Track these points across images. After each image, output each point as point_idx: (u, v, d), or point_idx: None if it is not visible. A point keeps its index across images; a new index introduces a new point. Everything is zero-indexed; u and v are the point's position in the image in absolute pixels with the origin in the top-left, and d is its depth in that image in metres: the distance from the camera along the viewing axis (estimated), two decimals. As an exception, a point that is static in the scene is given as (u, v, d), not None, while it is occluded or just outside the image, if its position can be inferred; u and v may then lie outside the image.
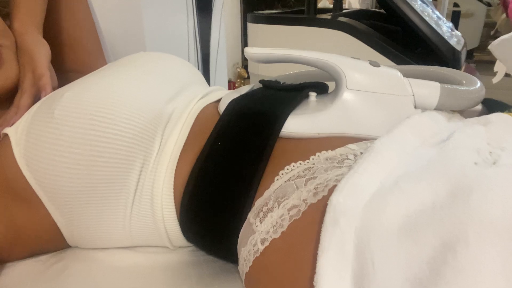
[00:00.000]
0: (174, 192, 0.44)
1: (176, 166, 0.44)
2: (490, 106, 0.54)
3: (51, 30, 0.68)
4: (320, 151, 0.40)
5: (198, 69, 1.46)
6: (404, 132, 0.40)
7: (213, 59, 1.52)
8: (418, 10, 0.91)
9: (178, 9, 1.30)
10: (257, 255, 0.35)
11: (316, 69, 0.49)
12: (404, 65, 0.67)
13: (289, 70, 0.61)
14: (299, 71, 0.61)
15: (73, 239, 0.46)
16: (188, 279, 0.45)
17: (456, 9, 3.49)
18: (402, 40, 0.98)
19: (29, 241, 0.45)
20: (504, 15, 3.12)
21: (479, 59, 3.70)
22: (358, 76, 0.45)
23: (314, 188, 0.35)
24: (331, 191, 0.34)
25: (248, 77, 2.71)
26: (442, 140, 0.41)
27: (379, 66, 0.46)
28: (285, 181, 0.38)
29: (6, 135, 0.43)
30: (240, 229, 0.39)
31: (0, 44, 0.51)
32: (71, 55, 0.73)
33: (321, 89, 0.52)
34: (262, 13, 1.09)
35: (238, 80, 2.99)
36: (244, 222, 0.39)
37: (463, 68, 1.08)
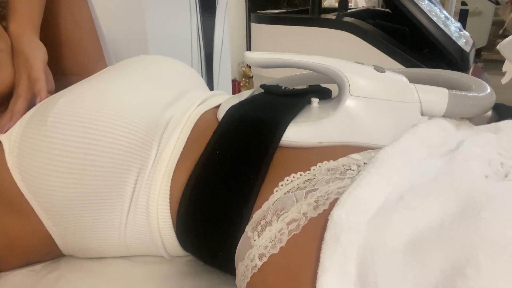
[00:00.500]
0: (170, 202, 0.42)
1: (173, 175, 0.42)
2: (500, 111, 0.52)
3: (50, 32, 0.67)
4: (321, 161, 0.38)
5: (202, 68, 1.45)
6: (410, 141, 0.38)
7: (217, 58, 1.50)
8: (425, 10, 0.89)
9: (181, 8, 1.29)
10: (255, 271, 0.34)
11: None
12: (411, 69, 0.65)
13: (292, 71, 0.59)
14: (300, 73, 0.59)
15: (67, 248, 0.45)
16: (185, 291, 0.44)
17: (464, 7, 3.45)
18: (409, 41, 0.96)
19: (22, 250, 0.44)
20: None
21: (487, 58, 3.65)
22: (362, 82, 0.43)
23: (315, 201, 0.34)
24: (332, 204, 0.33)
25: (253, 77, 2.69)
26: (450, 149, 0.39)
27: (384, 72, 0.45)
28: (285, 193, 0.36)
29: None
30: (238, 242, 0.38)
31: None
32: (70, 57, 0.72)
33: (324, 94, 0.50)
34: (265, 13, 1.07)
35: (243, 79, 2.97)
36: (242, 235, 0.37)
37: (471, 68, 1.05)
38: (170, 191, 0.42)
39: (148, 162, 0.43)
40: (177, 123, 0.46)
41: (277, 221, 0.34)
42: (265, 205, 0.36)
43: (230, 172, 0.40)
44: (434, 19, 0.89)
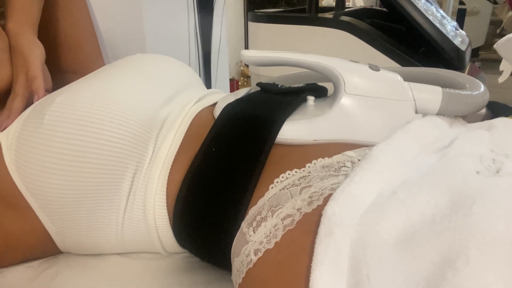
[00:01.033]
0: (167, 199, 0.43)
1: (170, 172, 0.43)
2: (495, 109, 0.52)
3: (49, 31, 0.67)
4: (316, 159, 0.38)
5: (199, 68, 1.45)
6: (403, 138, 0.39)
7: (215, 57, 1.50)
8: (422, 9, 0.89)
9: (179, 7, 1.29)
10: (250, 266, 0.34)
11: None
12: (407, 67, 0.66)
13: (289, 70, 0.59)
14: (298, 72, 0.59)
15: (64, 245, 0.45)
16: (181, 286, 0.44)
17: (461, 7, 3.46)
18: (405, 40, 0.96)
19: (19, 247, 0.44)
20: (510, 13, 3.09)
21: (485, 58, 3.66)
22: (357, 81, 0.44)
23: (309, 197, 0.34)
24: (326, 200, 0.33)
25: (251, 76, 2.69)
26: (443, 146, 0.39)
27: (379, 70, 0.45)
28: (280, 190, 0.36)
29: None
30: (234, 238, 0.38)
31: None
32: (68, 56, 0.72)
33: (320, 92, 0.51)
34: (263, 12, 1.07)
35: (242, 78, 2.97)
36: (237, 231, 0.38)
37: (467, 68, 1.06)
38: (167, 188, 0.42)
39: (145, 160, 0.43)
40: (174, 121, 0.46)
41: (272, 216, 0.35)
42: (260, 202, 0.37)
43: (226, 169, 0.40)
44: (430, 18, 0.89)
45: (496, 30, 3.63)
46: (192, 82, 0.58)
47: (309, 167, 0.38)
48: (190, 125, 0.46)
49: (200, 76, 1.47)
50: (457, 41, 0.90)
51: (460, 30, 1.04)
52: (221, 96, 0.53)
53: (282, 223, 0.34)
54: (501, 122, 0.43)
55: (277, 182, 0.37)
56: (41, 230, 0.43)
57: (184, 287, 0.44)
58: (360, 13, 1.22)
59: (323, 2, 3.22)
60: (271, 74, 1.17)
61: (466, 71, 1.05)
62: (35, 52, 0.52)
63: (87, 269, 0.46)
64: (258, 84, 0.52)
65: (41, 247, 0.46)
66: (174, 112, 0.48)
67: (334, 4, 3.29)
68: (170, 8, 1.25)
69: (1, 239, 0.43)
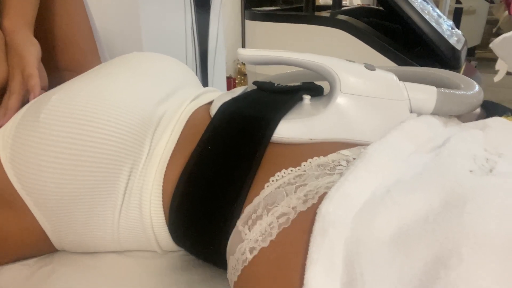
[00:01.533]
0: (163, 197, 0.43)
1: (166, 171, 0.43)
2: (489, 108, 0.53)
3: (45, 28, 0.67)
4: (312, 157, 0.39)
5: (196, 66, 1.45)
6: (398, 137, 0.39)
7: (212, 55, 1.50)
8: (418, 8, 0.89)
9: (176, 6, 1.29)
10: (246, 264, 0.34)
11: None
12: (402, 66, 0.66)
13: (285, 68, 0.60)
14: (294, 70, 0.59)
15: (60, 243, 0.46)
16: (177, 284, 0.45)
17: (458, 5, 3.46)
18: (401, 39, 0.97)
19: (15, 246, 0.44)
20: (507, 12, 3.10)
21: (481, 57, 3.67)
22: (353, 80, 0.44)
23: (304, 195, 0.34)
24: (321, 198, 0.33)
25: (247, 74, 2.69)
26: (437, 145, 0.40)
27: (374, 70, 0.45)
28: (275, 188, 0.37)
29: None
30: (229, 236, 0.38)
31: None
32: (65, 53, 0.72)
33: (316, 91, 0.51)
34: (259, 10, 1.07)
35: (239, 77, 2.97)
36: (233, 229, 0.38)
37: (463, 67, 1.07)
38: (163, 186, 0.43)
39: (141, 158, 0.43)
40: (170, 119, 0.46)
41: (267, 215, 0.35)
42: (256, 200, 0.37)
43: (222, 167, 0.40)
44: (427, 17, 0.89)
45: (492, 29, 3.64)
46: (188, 80, 0.58)
47: (304, 165, 0.38)
48: (186, 124, 0.47)
49: (197, 74, 1.47)
50: (452, 41, 0.91)
51: (456, 30, 1.05)
52: (217, 95, 0.54)
53: (278, 221, 0.34)
54: (495, 121, 0.44)
55: (273, 180, 0.38)
56: (37, 228, 0.43)
57: (180, 286, 0.44)
58: (357, 12, 1.22)
59: (320, 1, 3.22)
60: (268, 72, 1.16)
61: (462, 71, 1.05)
62: (31, 50, 0.52)
63: (83, 268, 0.46)
64: (255, 83, 0.52)
65: (37, 246, 0.46)
66: (170, 111, 0.48)
67: (331, 2, 3.30)
68: (167, 6, 1.24)
69: None
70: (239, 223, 0.37)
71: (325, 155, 0.39)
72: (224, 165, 0.40)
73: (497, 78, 1.88)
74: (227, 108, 0.45)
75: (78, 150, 0.39)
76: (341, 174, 0.36)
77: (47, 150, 0.39)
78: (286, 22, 1.00)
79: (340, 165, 0.38)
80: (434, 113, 0.46)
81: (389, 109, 0.44)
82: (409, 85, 0.46)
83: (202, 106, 0.50)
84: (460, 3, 3.47)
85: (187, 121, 0.47)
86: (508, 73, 1.77)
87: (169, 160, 0.43)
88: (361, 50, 0.92)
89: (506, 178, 0.31)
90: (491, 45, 1.72)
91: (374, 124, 0.44)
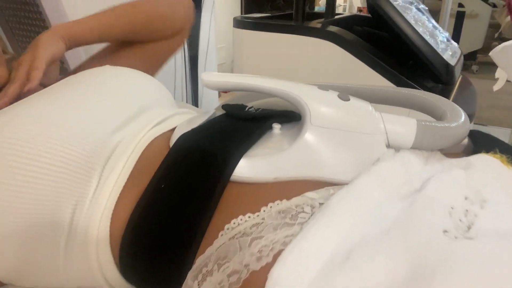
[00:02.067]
0: (111, 239, 0.39)
1: (114, 210, 0.39)
2: (477, 139, 0.49)
3: None
4: (273, 201, 0.35)
5: (185, 70, 1.41)
6: (368, 183, 0.35)
7: (202, 60, 1.46)
8: (411, 20, 0.85)
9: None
10: None
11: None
12: (388, 87, 0.62)
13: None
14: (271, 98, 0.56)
15: (6, 277, 0.42)
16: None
17: (460, 9, 3.42)
18: (394, 51, 0.93)
19: None
20: (509, 17, 3.05)
21: (482, 61, 3.62)
22: (324, 111, 0.40)
23: (258, 252, 0.31)
24: (276, 256, 0.30)
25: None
26: (414, 189, 0.36)
27: (348, 100, 0.42)
28: (229, 239, 0.33)
29: None
30: (181, 286, 0.35)
31: None
32: None
33: (290, 118, 0.47)
34: (247, 17, 1.03)
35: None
36: (184, 280, 0.34)
37: (458, 81, 1.03)
38: (111, 227, 0.39)
39: (87, 194, 0.39)
40: (125, 149, 0.43)
41: (218, 271, 0.31)
42: (208, 251, 0.33)
43: (175, 211, 0.36)
44: (420, 29, 0.85)
45: (494, 33, 3.59)
46: (159, 100, 0.54)
47: (264, 211, 0.34)
48: (141, 155, 0.43)
49: (186, 80, 1.43)
50: (447, 55, 0.87)
51: (452, 42, 1.00)
52: (187, 118, 0.50)
53: (228, 280, 0.30)
54: (480, 160, 0.40)
55: (228, 229, 0.34)
56: None
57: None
58: (350, 21, 1.17)
59: (319, 2, 3.18)
60: None
61: (457, 84, 1.01)
62: (49, 47, 0.52)
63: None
64: (224, 107, 0.49)
65: None
66: (126, 139, 0.44)
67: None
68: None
69: None
70: (190, 276, 0.33)
71: (288, 198, 0.35)
72: (177, 208, 0.37)
73: (496, 87, 1.84)
74: (185, 141, 0.41)
75: (12, 185, 0.35)
76: (302, 225, 0.32)
77: None
78: (275, 32, 0.95)
79: (303, 211, 0.34)
80: (414, 147, 0.42)
81: (363, 143, 0.40)
82: (387, 116, 0.42)
83: (163, 133, 0.46)
84: (463, 6, 3.42)
85: (143, 152, 0.43)
86: (508, 81, 1.73)
87: (119, 198, 0.39)
88: (350, 63, 0.88)
89: (481, 243, 0.27)
90: (490, 54, 1.68)
91: (346, 161, 0.40)
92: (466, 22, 3.40)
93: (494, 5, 3.48)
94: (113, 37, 0.62)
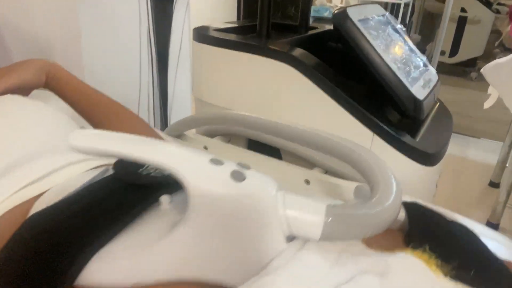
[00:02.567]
0: None
1: None
2: (412, 216, 0.41)
3: None
4: None
5: (153, 73, 1.32)
6: None
7: (173, 62, 1.38)
8: (380, 46, 0.77)
9: (129, 5, 1.16)
10: None
11: None
12: (329, 135, 0.54)
13: (239, 96, 0.48)
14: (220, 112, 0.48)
15: None
16: None
17: (463, 14, 3.32)
18: (363, 77, 0.84)
19: None
20: (509, 27, 2.95)
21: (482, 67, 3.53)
22: (210, 194, 0.32)
23: None
24: None
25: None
26: None
27: (244, 179, 0.33)
28: None
29: None
30: None
31: None
32: None
33: None
34: (206, 30, 0.93)
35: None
36: None
37: (435, 108, 0.94)
38: None
39: None
40: None
41: None
42: None
43: None
44: (389, 57, 0.77)
45: (495, 41, 3.49)
46: (49, 147, 0.46)
47: None
48: None
49: (153, 85, 1.35)
50: (417, 86, 0.78)
51: (429, 67, 0.92)
52: (77, 173, 0.42)
53: None
54: (400, 264, 0.32)
55: None
56: None
57: None
58: (325, 36, 1.08)
59: (315, 2, 3.06)
60: (218, 102, 1.03)
61: (433, 112, 0.93)
62: (22, 74, 0.52)
63: None
64: (115, 167, 0.41)
65: None
66: None
67: (327, 4, 3.13)
68: (117, 8, 1.11)
69: None
70: None
71: None
72: None
73: (487, 104, 1.75)
74: (34, 223, 0.33)
75: None
76: None
77: None
78: (234, 50, 0.86)
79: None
80: (323, 240, 0.34)
81: (257, 235, 0.33)
82: (291, 200, 0.34)
83: (29, 200, 0.38)
84: (465, 11, 3.32)
85: None
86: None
87: None
88: (311, 92, 0.80)
89: None
90: (482, 71, 1.59)
91: (232, 258, 0.32)
92: (468, 28, 3.30)
93: (498, 11, 3.37)
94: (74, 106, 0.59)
